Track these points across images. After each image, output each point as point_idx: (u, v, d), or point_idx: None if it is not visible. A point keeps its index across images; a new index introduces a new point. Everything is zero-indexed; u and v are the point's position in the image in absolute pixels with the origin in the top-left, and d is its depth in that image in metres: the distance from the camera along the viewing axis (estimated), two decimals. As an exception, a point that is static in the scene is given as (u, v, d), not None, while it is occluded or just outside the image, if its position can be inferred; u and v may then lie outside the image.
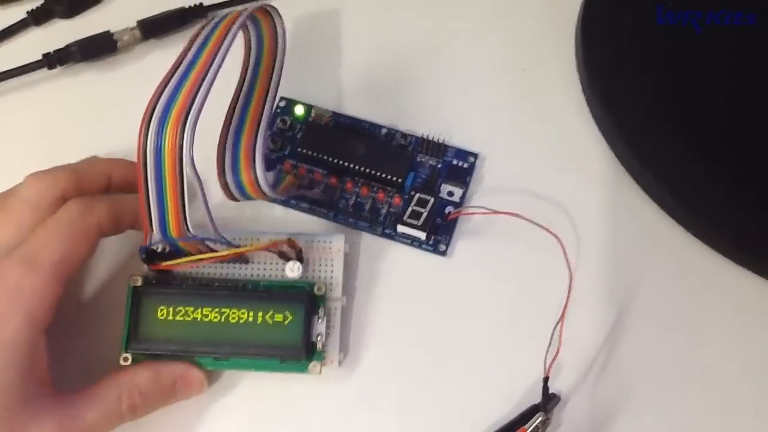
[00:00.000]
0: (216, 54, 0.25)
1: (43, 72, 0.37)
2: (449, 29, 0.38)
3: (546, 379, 0.28)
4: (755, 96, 0.34)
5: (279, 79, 0.30)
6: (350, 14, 0.39)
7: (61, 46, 0.37)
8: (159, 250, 0.27)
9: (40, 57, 0.36)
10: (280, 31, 0.30)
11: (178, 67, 0.25)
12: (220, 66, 0.25)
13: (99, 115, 0.36)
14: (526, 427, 0.27)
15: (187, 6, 0.38)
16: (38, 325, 0.26)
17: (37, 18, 0.39)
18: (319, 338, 0.28)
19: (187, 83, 0.24)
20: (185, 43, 0.26)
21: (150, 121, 0.24)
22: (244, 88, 0.29)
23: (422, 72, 0.37)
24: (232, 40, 0.26)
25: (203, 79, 0.24)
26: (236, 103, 0.29)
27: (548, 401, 0.28)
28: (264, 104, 0.29)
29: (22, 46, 0.38)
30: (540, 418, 0.27)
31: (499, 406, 0.29)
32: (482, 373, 0.30)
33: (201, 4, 0.39)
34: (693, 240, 0.32)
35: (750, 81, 0.35)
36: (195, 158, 0.24)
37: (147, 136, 0.24)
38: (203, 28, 0.26)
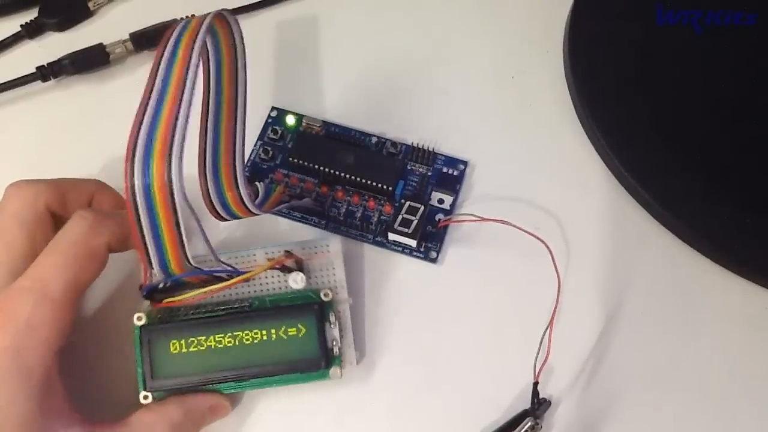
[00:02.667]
0: (186, 74, 0.23)
1: (37, 85, 0.37)
2: (438, 38, 0.39)
3: (535, 384, 0.28)
4: (752, 98, 0.35)
5: (245, 89, 0.29)
6: (340, 24, 0.39)
7: (55, 58, 0.37)
8: (161, 286, 0.27)
9: (33, 70, 0.37)
10: (237, 37, 0.28)
11: (150, 96, 0.23)
12: (193, 87, 0.24)
13: (92, 127, 0.36)
14: (516, 432, 0.28)
15: (178, 18, 0.39)
16: (52, 351, 0.26)
17: (30, 31, 0.39)
18: (334, 343, 0.28)
19: (164, 112, 0.23)
20: (151, 67, 0.24)
21: (134, 159, 0.22)
22: (211, 104, 0.27)
23: (412, 81, 0.37)
24: (199, 55, 0.24)
25: (179, 105, 0.23)
26: (206, 122, 0.27)
27: (538, 406, 0.28)
28: (235, 118, 0.28)
29: (15, 59, 0.39)
30: (530, 423, 0.27)
31: (489, 411, 0.29)
32: (472, 379, 0.30)
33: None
34: (681, 245, 0.33)
35: (748, 83, 0.35)
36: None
37: (133, 175, 0.22)
38: (164, 47, 0.24)
